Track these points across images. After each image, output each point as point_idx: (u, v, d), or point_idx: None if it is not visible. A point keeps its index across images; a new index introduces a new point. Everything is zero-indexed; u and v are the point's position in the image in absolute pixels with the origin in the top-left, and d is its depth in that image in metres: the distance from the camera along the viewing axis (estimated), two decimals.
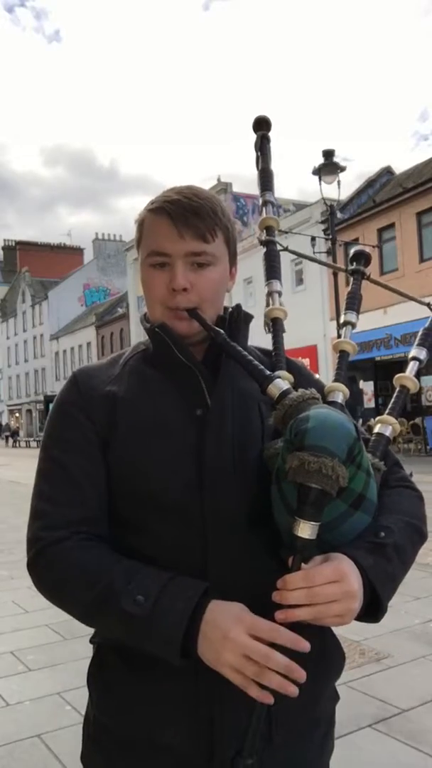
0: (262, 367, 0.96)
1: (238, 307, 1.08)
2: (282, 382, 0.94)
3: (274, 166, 1.20)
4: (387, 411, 1.08)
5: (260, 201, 1.17)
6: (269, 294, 1.12)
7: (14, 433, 43.49)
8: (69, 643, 4.03)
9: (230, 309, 1.09)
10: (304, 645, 0.82)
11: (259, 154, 1.18)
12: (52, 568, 0.95)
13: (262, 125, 1.18)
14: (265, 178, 1.17)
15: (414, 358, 1.12)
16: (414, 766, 2.58)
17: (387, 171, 23.93)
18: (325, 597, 0.82)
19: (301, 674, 0.82)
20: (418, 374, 1.10)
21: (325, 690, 1.05)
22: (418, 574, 5.26)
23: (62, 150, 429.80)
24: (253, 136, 1.19)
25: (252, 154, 1.19)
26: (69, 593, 0.95)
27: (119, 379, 1.05)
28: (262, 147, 1.17)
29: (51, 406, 1.14)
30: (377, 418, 1.08)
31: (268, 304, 1.11)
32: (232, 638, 0.82)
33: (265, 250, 1.14)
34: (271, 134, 1.19)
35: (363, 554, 0.89)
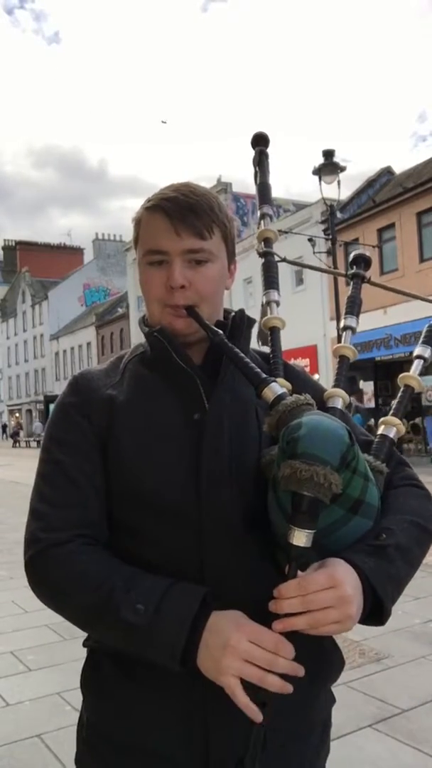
0: (258, 370, 0.95)
1: (241, 311, 1.08)
2: (278, 386, 0.93)
3: (274, 166, 1.20)
4: (391, 412, 1.06)
5: (258, 214, 1.17)
6: (267, 303, 1.11)
7: (15, 433, 43.52)
8: (69, 643, 4.02)
9: (233, 313, 1.08)
10: (300, 670, 0.83)
11: (257, 169, 1.18)
12: (51, 571, 0.94)
13: (260, 141, 1.18)
14: (263, 193, 1.17)
15: (419, 357, 1.10)
16: (414, 766, 2.58)
17: (387, 171, 23.91)
18: (319, 603, 0.81)
19: (300, 671, 0.82)
20: (423, 373, 1.09)
21: (322, 693, 1.05)
22: (418, 573, 5.23)
23: (51, 152, 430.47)
24: (250, 138, 1.19)
25: (250, 156, 1.19)
26: (67, 597, 0.94)
27: (119, 383, 1.05)
28: (261, 162, 1.18)
29: (51, 407, 1.14)
30: (381, 419, 1.06)
31: (265, 314, 1.11)
32: (233, 645, 0.82)
33: (263, 261, 1.14)
34: (270, 139, 1.20)
35: (362, 557, 0.88)
